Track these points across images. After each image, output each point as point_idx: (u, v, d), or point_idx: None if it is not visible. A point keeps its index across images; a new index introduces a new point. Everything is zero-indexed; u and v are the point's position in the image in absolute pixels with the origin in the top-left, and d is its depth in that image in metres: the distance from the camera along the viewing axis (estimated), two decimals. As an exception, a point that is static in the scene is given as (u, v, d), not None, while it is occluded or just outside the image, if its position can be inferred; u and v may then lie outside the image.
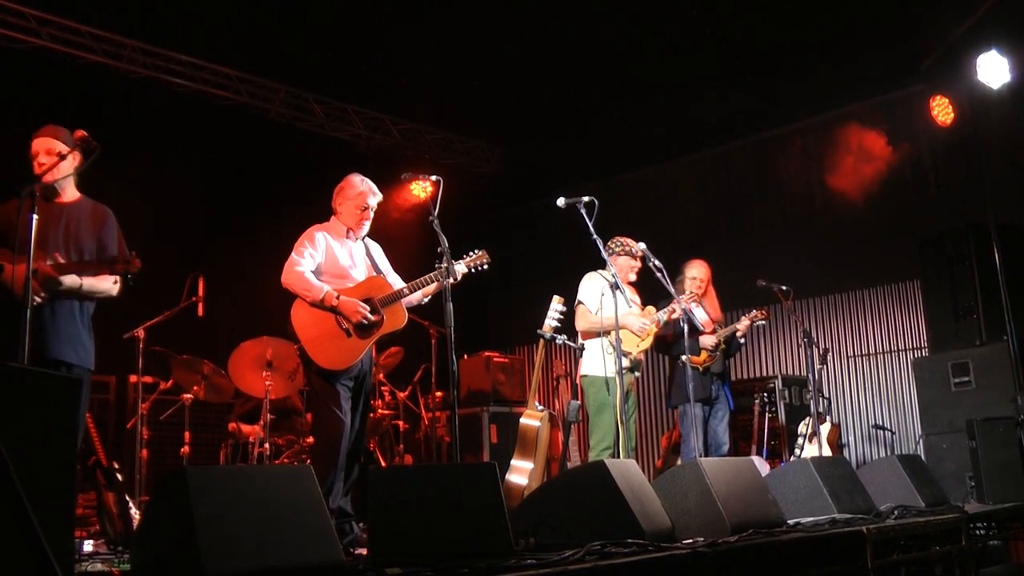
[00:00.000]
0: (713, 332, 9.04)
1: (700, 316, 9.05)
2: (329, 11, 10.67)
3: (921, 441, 10.36)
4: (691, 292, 8.85)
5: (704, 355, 8.94)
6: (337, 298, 6.61)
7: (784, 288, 9.15)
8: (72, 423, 3.75)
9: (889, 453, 11.83)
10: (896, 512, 6.64)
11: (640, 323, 8.43)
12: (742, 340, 9.31)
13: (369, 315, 6.65)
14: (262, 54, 11.76)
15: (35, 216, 5.74)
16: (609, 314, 7.83)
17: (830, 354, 11.94)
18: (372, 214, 7.11)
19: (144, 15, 10.79)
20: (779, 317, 13.06)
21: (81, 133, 6.18)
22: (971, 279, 9.97)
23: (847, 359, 12.69)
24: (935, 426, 9.88)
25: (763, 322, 9.29)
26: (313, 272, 6.75)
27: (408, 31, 10.89)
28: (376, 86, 12.54)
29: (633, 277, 8.69)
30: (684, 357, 8.90)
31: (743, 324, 9.15)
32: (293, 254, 6.79)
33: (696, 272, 9.21)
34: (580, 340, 8.62)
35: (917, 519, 6.48)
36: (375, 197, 7.09)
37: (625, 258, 8.49)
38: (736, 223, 13.73)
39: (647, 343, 8.53)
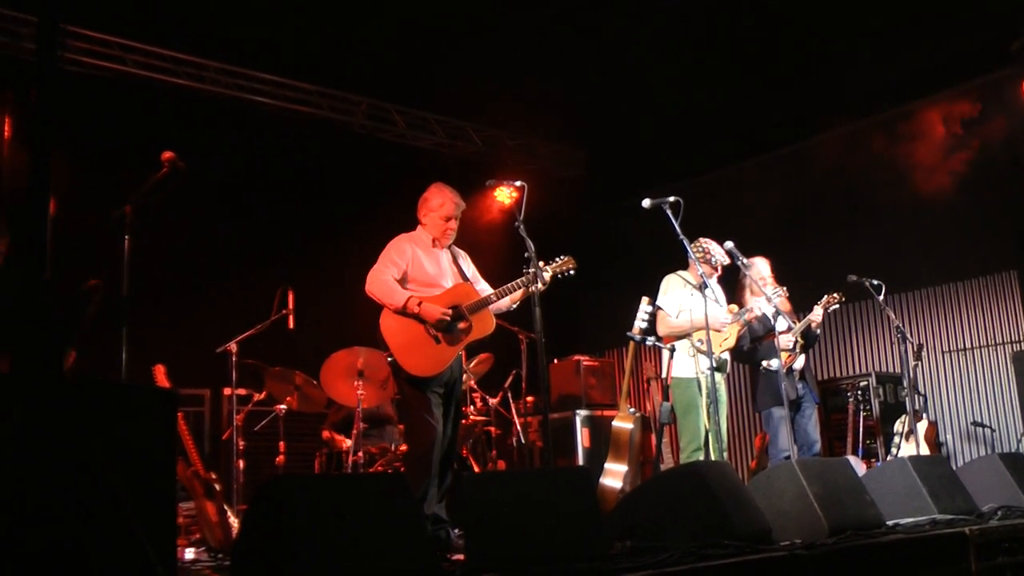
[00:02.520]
0: (787, 331, 8.92)
1: (784, 315, 8.95)
2: (407, 21, 10.75)
3: (1023, 438, 10.17)
4: (776, 290, 8.72)
5: (785, 355, 8.81)
6: (419, 304, 6.64)
7: (875, 283, 8.99)
8: (171, 435, 3.82)
9: (989, 451, 11.61)
10: (999, 513, 6.47)
11: (722, 319, 8.37)
12: (818, 331, 9.15)
13: (449, 316, 6.68)
14: (342, 68, 11.88)
15: (127, 237, 5.86)
16: (696, 315, 7.79)
17: (925, 350, 11.76)
18: (457, 224, 7.15)
19: (224, 37, 10.97)
20: (871, 313, 12.90)
21: (169, 154, 6.27)
22: (1072, 269, 9.78)
23: (943, 354, 12.47)
24: (1038, 423, 9.70)
25: (836, 305, 9.10)
26: (400, 280, 6.79)
27: (487, 37, 10.92)
28: (457, 94, 12.60)
29: (713, 280, 8.60)
30: (765, 363, 8.81)
31: (817, 314, 8.98)
32: (378, 263, 6.86)
33: (761, 271, 9.07)
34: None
35: (1022, 520, 6.33)
36: (459, 207, 7.13)
37: (704, 266, 8.39)
38: (823, 217, 13.53)
39: (730, 342, 8.45)
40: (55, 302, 3.18)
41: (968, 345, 12.30)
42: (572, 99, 12.39)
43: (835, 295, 9.02)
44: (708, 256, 8.41)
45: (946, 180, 11.70)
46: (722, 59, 11.68)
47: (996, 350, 12.05)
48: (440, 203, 7.09)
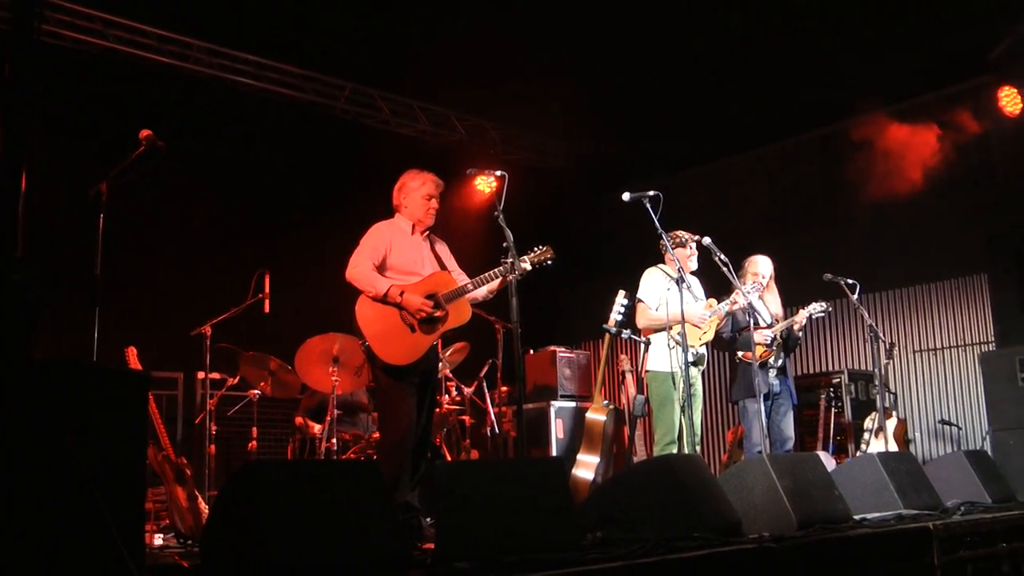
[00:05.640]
0: (770, 327, 8.94)
1: (761, 310, 8.97)
2: (394, 7, 10.69)
3: (988, 437, 10.26)
4: (755, 284, 8.73)
5: (760, 350, 8.82)
6: (401, 294, 6.61)
7: (850, 282, 9.02)
8: (141, 419, 3.80)
9: (956, 449, 11.72)
10: (963, 508, 6.63)
11: (700, 314, 8.37)
12: (800, 334, 9.17)
13: (432, 310, 6.66)
14: (327, 52, 11.80)
15: (102, 215, 5.83)
16: (673, 309, 7.80)
17: (896, 349, 11.82)
18: (438, 203, 7.12)
19: (209, 16, 10.86)
20: (845, 312, 12.94)
21: (147, 132, 6.23)
22: (1040, 273, 9.87)
23: (913, 354, 12.56)
24: (1002, 422, 9.78)
25: (822, 313, 9.14)
26: (379, 268, 6.77)
27: (474, 27, 10.87)
28: (441, 82, 12.55)
29: (694, 265, 8.61)
30: (740, 353, 8.84)
31: (800, 317, 9.02)
32: (357, 250, 6.82)
33: (759, 267, 9.10)
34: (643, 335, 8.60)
35: (984, 515, 6.43)
36: (439, 186, 7.11)
37: (678, 250, 8.39)
38: (802, 217, 13.60)
39: (709, 335, 8.46)
40: (27, 281, 3.15)
41: (938, 345, 12.39)
42: (556, 91, 12.34)
43: (822, 304, 9.06)
44: (678, 239, 8.40)
45: (921, 183, 11.76)
46: (707, 57, 11.67)
47: (964, 351, 12.15)
48: (420, 183, 7.05)
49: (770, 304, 9.17)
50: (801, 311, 9.03)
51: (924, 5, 10.50)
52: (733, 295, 8.48)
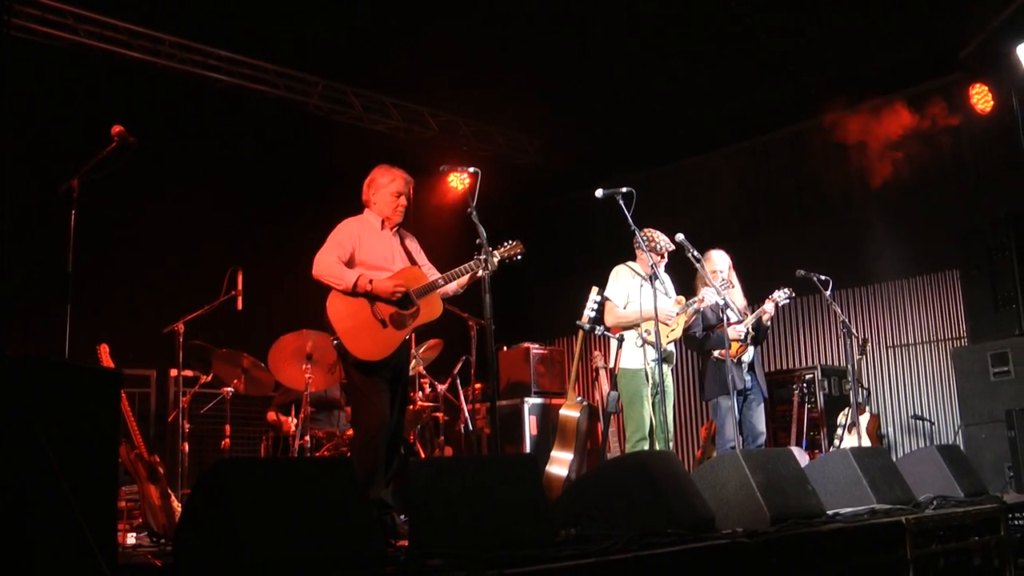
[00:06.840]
0: (739, 322, 8.94)
1: (732, 307, 8.99)
2: (366, 2, 10.66)
3: (960, 431, 10.32)
4: (724, 281, 8.74)
5: (735, 347, 8.82)
6: (370, 282, 6.59)
7: (823, 278, 9.05)
8: (114, 417, 3.78)
9: (928, 443, 11.78)
10: (935, 502, 6.63)
11: (668, 311, 8.37)
12: (768, 324, 9.18)
13: (402, 290, 6.63)
14: (300, 48, 11.75)
15: (73, 211, 5.80)
16: (645, 306, 7.80)
17: (869, 344, 11.88)
18: (407, 201, 7.11)
19: (181, 11, 10.79)
20: (818, 308, 13.01)
21: (118, 128, 6.21)
22: (1011, 269, 9.92)
23: (886, 349, 12.61)
24: (974, 416, 9.85)
25: (787, 300, 9.15)
26: (347, 264, 6.74)
27: (446, 22, 10.86)
28: (414, 78, 12.51)
29: (660, 269, 8.61)
30: (717, 352, 8.83)
31: (769, 308, 9.02)
32: (324, 246, 6.80)
33: (715, 264, 9.08)
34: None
35: (956, 509, 6.47)
36: (408, 183, 7.09)
37: (651, 254, 8.37)
38: (775, 213, 13.67)
39: (677, 333, 8.45)
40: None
41: (911, 341, 12.45)
42: (529, 87, 12.34)
43: (786, 290, 9.06)
44: (653, 244, 8.40)
45: (892, 180, 11.85)
46: (681, 54, 11.69)
47: (937, 346, 12.21)
48: (390, 179, 7.03)
49: (735, 299, 9.17)
50: (767, 301, 9.04)
51: (897, 3, 10.55)
52: (702, 293, 8.50)
